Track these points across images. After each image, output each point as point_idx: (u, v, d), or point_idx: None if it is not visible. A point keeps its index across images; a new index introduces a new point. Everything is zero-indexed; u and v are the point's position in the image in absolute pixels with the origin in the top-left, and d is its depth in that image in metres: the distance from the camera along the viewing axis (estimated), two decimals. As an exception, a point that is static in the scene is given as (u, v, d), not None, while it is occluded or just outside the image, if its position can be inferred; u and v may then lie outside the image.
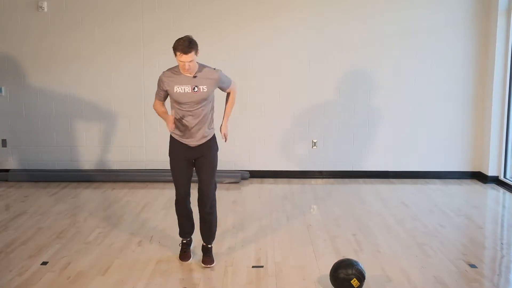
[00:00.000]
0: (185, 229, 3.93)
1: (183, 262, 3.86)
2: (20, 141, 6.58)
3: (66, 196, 5.72)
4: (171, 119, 3.63)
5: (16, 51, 6.42)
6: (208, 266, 3.80)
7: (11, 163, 6.60)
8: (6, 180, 6.36)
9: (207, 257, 3.86)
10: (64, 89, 6.48)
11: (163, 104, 3.82)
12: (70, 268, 3.73)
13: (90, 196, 5.77)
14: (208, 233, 3.89)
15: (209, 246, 3.90)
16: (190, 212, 3.92)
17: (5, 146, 6.59)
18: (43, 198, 5.62)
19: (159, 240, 4.29)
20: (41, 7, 6.31)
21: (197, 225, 3.97)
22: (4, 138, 6.58)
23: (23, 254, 3.99)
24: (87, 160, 6.59)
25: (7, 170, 6.51)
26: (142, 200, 5.56)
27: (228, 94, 3.94)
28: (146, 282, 3.52)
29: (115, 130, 6.55)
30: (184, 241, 3.93)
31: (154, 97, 3.82)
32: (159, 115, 3.87)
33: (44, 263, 3.80)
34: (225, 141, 3.94)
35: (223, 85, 3.80)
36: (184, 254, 3.89)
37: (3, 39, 6.41)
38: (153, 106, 3.85)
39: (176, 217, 3.95)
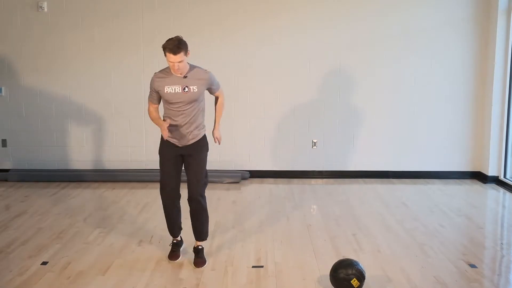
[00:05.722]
0: (172, 225, 3.88)
1: (175, 261, 3.85)
2: (20, 141, 6.58)
3: (66, 196, 5.72)
4: (165, 127, 3.62)
5: (16, 51, 6.42)
6: (200, 268, 3.75)
7: (11, 163, 6.60)
8: (6, 180, 6.36)
9: (199, 258, 3.81)
10: (64, 89, 6.48)
11: (157, 109, 3.82)
12: (70, 268, 3.73)
13: (90, 196, 5.77)
14: (199, 229, 3.85)
15: (200, 247, 3.86)
16: (177, 208, 3.86)
17: (5, 146, 6.59)
18: (43, 198, 5.62)
19: (159, 240, 4.29)
20: (41, 7, 6.31)
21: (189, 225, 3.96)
22: (4, 138, 6.58)
23: (23, 254, 3.99)
24: (87, 160, 6.59)
25: (7, 170, 6.51)
26: (142, 200, 5.56)
27: (217, 99, 3.98)
28: (146, 282, 3.52)
29: (115, 130, 6.55)
30: (175, 241, 3.91)
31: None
32: (153, 121, 3.85)
33: (44, 263, 3.80)
34: (219, 143, 3.98)
35: (213, 87, 3.81)
36: (173, 253, 3.87)
37: (3, 39, 6.41)
38: (148, 112, 3.84)
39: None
